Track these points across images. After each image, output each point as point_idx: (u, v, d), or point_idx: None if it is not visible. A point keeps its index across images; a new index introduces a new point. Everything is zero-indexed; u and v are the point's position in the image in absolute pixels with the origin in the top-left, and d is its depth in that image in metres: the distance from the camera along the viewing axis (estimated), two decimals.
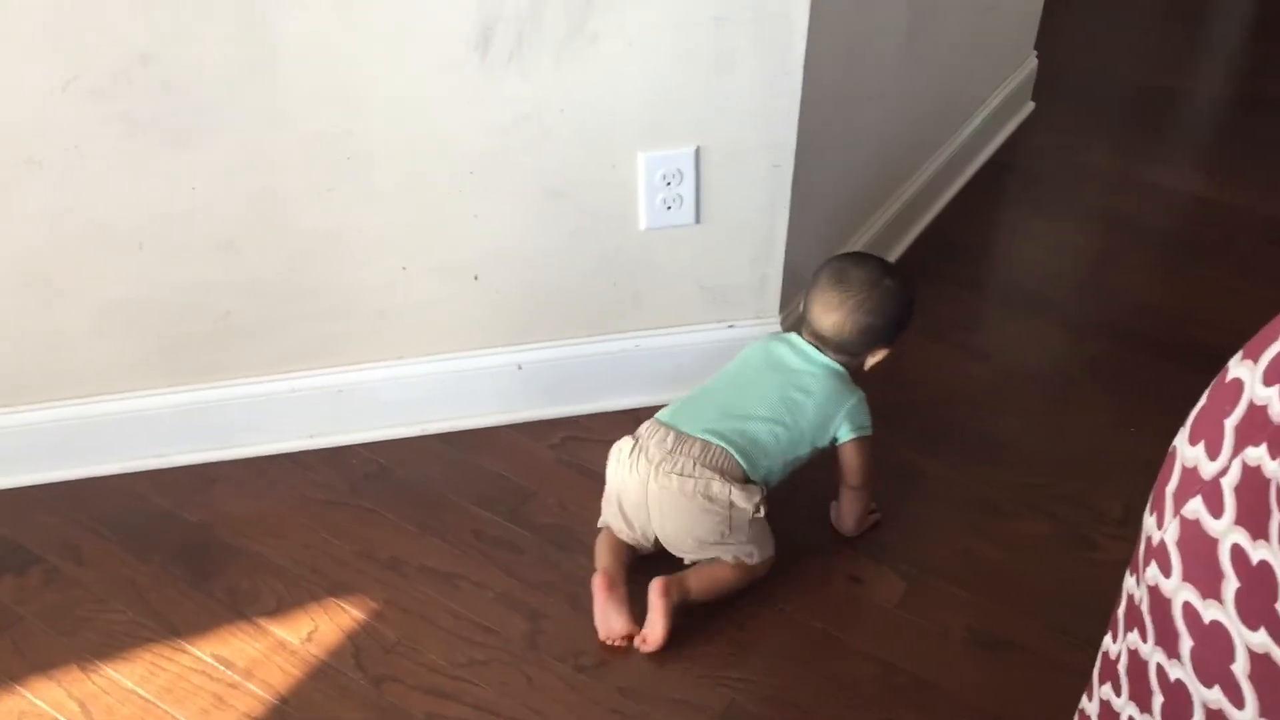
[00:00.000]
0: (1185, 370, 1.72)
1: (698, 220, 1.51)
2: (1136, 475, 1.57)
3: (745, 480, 1.35)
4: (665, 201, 1.48)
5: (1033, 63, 2.27)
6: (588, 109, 1.39)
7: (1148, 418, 1.63)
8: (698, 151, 1.45)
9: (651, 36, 1.34)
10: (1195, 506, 0.74)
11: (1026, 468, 1.58)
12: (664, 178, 1.46)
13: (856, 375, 1.44)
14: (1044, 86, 2.34)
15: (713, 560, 1.37)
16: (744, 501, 1.33)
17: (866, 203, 1.79)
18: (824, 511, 1.49)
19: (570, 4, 1.30)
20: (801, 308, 1.45)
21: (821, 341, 1.41)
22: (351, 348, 1.55)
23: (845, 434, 1.40)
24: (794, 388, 1.39)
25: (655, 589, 1.34)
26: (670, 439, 1.35)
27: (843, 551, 1.46)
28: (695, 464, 1.33)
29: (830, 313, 1.39)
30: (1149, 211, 2.10)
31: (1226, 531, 0.70)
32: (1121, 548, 1.46)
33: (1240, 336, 1.77)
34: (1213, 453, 0.73)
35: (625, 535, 1.40)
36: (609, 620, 1.35)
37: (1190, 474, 0.75)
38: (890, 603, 1.41)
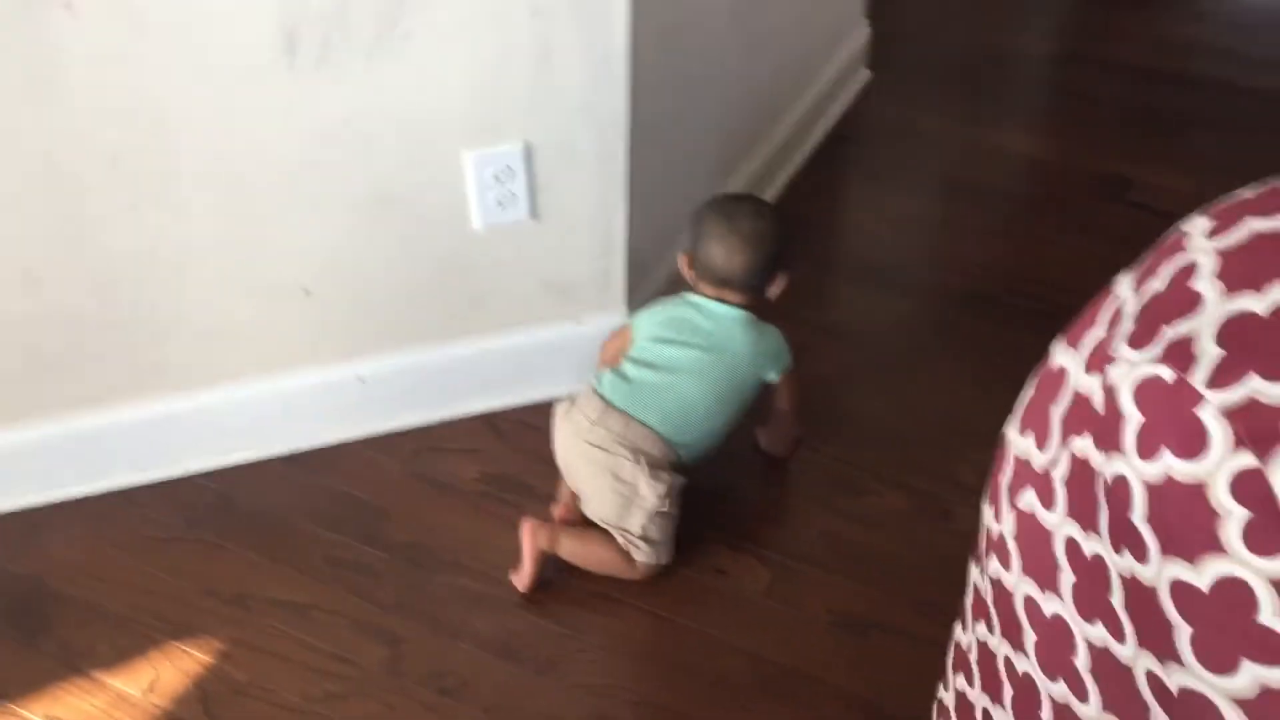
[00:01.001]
0: (1031, 332, 1.72)
1: (533, 216, 1.46)
2: (987, 441, 1.59)
3: (663, 466, 1.36)
4: (498, 200, 1.43)
5: (865, 31, 2.28)
6: (408, 110, 1.33)
7: (997, 381, 1.64)
8: (527, 147, 1.40)
9: (467, 33, 1.29)
10: (1029, 499, 0.73)
11: (882, 442, 1.58)
12: (495, 175, 1.41)
13: (763, 310, 1.46)
14: (878, 54, 2.35)
15: (605, 535, 1.37)
16: (648, 490, 1.34)
17: (707, 186, 1.77)
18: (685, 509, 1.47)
19: (378, 3, 1.23)
20: (688, 264, 1.45)
21: (728, 287, 1.42)
22: (178, 373, 1.46)
23: (775, 373, 1.46)
24: (718, 346, 1.40)
25: (525, 529, 1.36)
26: (597, 410, 1.36)
27: (706, 544, 1.44)
28: (614, 439, 1.35)
29: (736, 255, 1.41)
30: (987, 174, 2.13)
31: (1060, 524, 0.70)
32: (973, 515, 1.47)
33: (1082, 295, 1.80)
34: (1041, 443, 0.72)
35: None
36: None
37: (1022, 465, 0.75)
38: (756, 592, 1.39)
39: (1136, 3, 2.67)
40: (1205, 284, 0.62)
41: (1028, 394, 0.78)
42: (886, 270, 1.90)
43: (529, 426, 1.59)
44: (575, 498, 1.43)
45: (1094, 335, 0.71)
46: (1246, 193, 0.68)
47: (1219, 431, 0.57)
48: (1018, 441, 0.76)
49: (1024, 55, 2.55)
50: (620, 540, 1.37)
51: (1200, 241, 0.65)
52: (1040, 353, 1.52)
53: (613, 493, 1.35)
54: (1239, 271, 0.61)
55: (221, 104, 1.26)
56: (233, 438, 1.52)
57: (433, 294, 1.50)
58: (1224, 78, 2.38)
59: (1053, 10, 2.76)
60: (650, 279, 1.64)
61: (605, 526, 1.37)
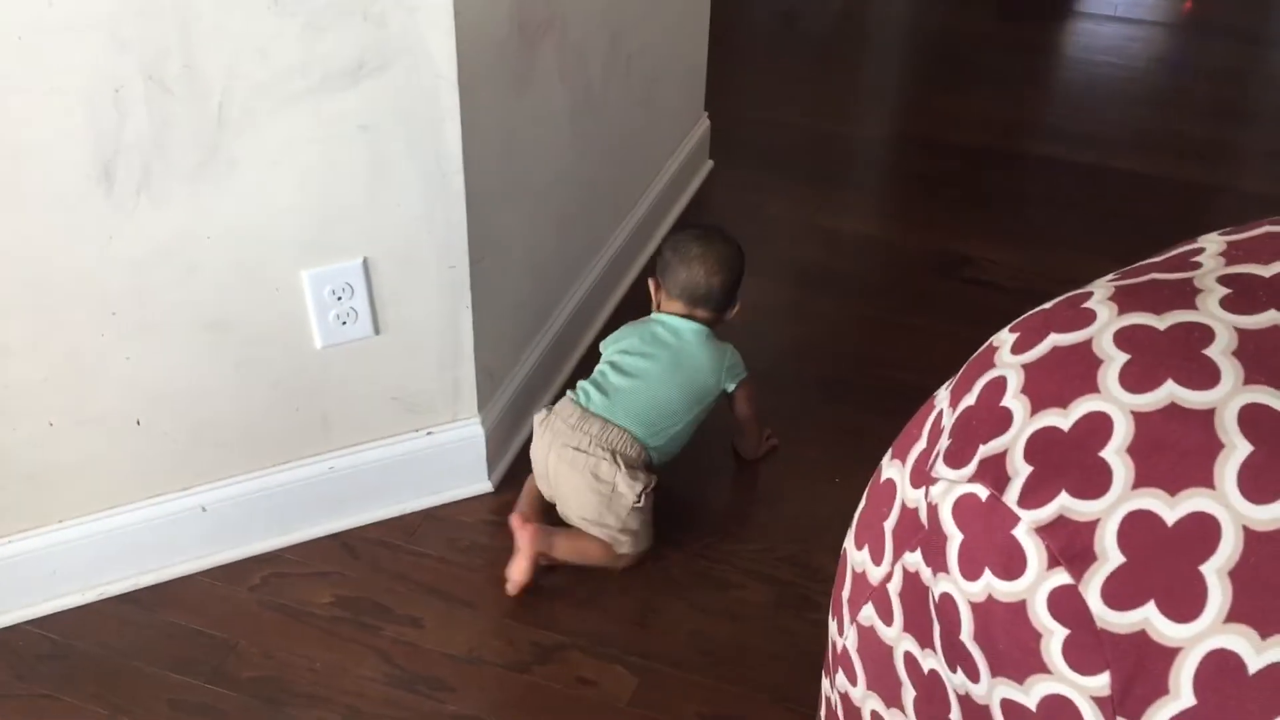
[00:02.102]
0: (881, 414, 1.76)
1: (377, 332, 1.44)
2: (846, 527, 1.61)
3: (638, 466, 1.47)
4: (339, 317, 1.40)
5: (705, 123, 2.33)
6: (238, 234, 1.30)
7: (852, 466, 1.66)
8: (365, 263, 1.38)
9: (295, 153, 1.27)
10: (869, 613, 0.73)
11: (745, 534, 1.58)
12: (333, 293, 1.38)
13: (720, 332, 1.61)
14: (720, 144, 2.40)
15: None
16: (626, 488, 1.45)
17: (558, 286, 1.77)
18: (546, 616, 1.44)
19: (199, 129, 1.21)
20: (656, 287, 1.60)
21: (699, 304, 1.57)
22: (4, 517, 1.38)
23: (733, 383, 1.58)
24: (682, 356, 1.53)
25: (524, 534, 1.44)
26: (575, 415, 1.47)
27: (568, 653, 1.42)
28: (592, 441, 1.45)
29: (714, 275, 1.56)
30: (832, 257, 2.19)
31: (898, 639, 0.70)
32: None
33: (924, 374, 1.83)
34: (876, 557, 0.73)
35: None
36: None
37: (860, 579, 0.75)
38: (622, 700, 1.37)
39: (960, 87, 2.79)
40: (1013, 400, 0.63)
41: (861, 506, 0.78)
42: (743, 358, 1.91)
43: (383, 544, 1.55)
44: (537, 508, 1.51)
45: (918, 448, 0.72)
46: (1047, 305, 0.70)
47: (1034, 550, 0.58)
48: (855, 555, 0.76)
49: (858, 139, 2.64)
50: (603, 535, 1.46)
51: (1007, 356, 0.66)
52: (891, 436, 1.54)
53: (592, 492, 1.44)
54: (1043, 387, 0.63)
55: (33, 236, 1.21)
56: (66, 581, 1.44)
57: (276, 416, 1.45)
58: (1048, 154, 2.51)
59: (882, 95, 2.88)
60: (503, 386, 1.62)
61: (584, 525, 1.46)
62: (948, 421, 0.68)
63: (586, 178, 1.78)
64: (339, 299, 1.39)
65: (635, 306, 1.98)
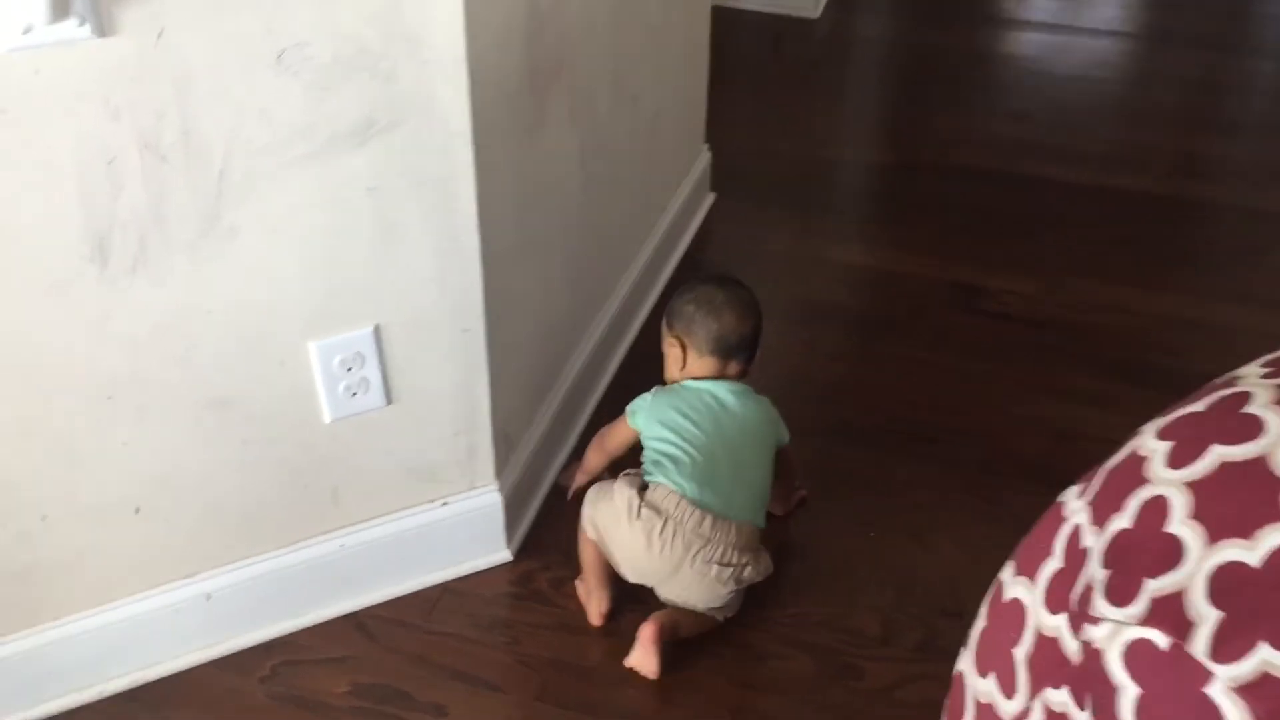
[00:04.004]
0: (906, 457, 1.70)
1: (389, 402, 1.35)
2: (885, 584, 1.54)
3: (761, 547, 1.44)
4: (349, 389, 1.32)
5: (706, 156, 2.26)
6: (240, 307, 1.21)
7: (884, 518, 1.60)
8: (377, 330, 1.30)
9: (299, 220, 1.18)
10: None
11: (779, 598, 1.50)
12: (343, 364, 1.30)
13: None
14: (721, 176, 2.33)
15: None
16: (759, 578, 1.42)
17: (569, 338, 1.69)
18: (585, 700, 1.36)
19: (197, 198, 1.12)
20: (681, 348, 1.48)
21: (733, 357, 1.47)
22: None
23: (787, 434, 1.52)
24: (750, 423, 1.46)
25: (648, 634, 1.37)
26: (708, 524, 1.37)
27: None
28: (732, 550, 1.38)
29: (747, 320, 1.48)
30: (840, 292, 2.12)
31: None
32: (884, 670, 1.41)
33: (948, 414, 1.75)
34: (1008, 689, 0.65)
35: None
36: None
37: (987, 711, 0.67)
38: None
39: (951, 107, 2.74)
40: (1181, 527, 0.56)
41: (981, 625, 0.71)
42: None
43: (400, 623, 1.46)
44: (609, 582, 1.43)
45: (1051, 566, 0.64)
46: (1197, 405, 0.63)
47: (1235, 714, 0.51)
48: (978, 682, 0.69)
49: (855, 164, 2.58)
50: (711, 614, 1.42)
51: (1163, 470, 0.59)
52: (922, 481, 1.45)
53: (731, 593, 1.41)
54: (1218, 512, 0.55)
55: (21, 320, 1.12)
56: (63, 679, 1.34)
57: (283, 495, 1.36)
58: (1048, 175, 2.45)
59: (879, 120, 2.82)
60: (518, 450, 1.54)
61: (691, 606, 1.41)
62: (1093, 542, 0.61)
63: (596, 222, 1.70)
64: (349, 370, 1.30)
65: (641, 354, 1.90)
